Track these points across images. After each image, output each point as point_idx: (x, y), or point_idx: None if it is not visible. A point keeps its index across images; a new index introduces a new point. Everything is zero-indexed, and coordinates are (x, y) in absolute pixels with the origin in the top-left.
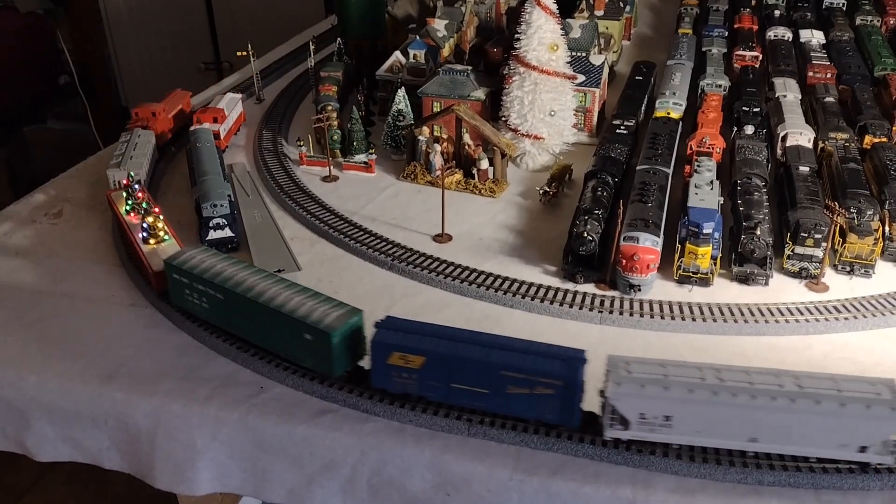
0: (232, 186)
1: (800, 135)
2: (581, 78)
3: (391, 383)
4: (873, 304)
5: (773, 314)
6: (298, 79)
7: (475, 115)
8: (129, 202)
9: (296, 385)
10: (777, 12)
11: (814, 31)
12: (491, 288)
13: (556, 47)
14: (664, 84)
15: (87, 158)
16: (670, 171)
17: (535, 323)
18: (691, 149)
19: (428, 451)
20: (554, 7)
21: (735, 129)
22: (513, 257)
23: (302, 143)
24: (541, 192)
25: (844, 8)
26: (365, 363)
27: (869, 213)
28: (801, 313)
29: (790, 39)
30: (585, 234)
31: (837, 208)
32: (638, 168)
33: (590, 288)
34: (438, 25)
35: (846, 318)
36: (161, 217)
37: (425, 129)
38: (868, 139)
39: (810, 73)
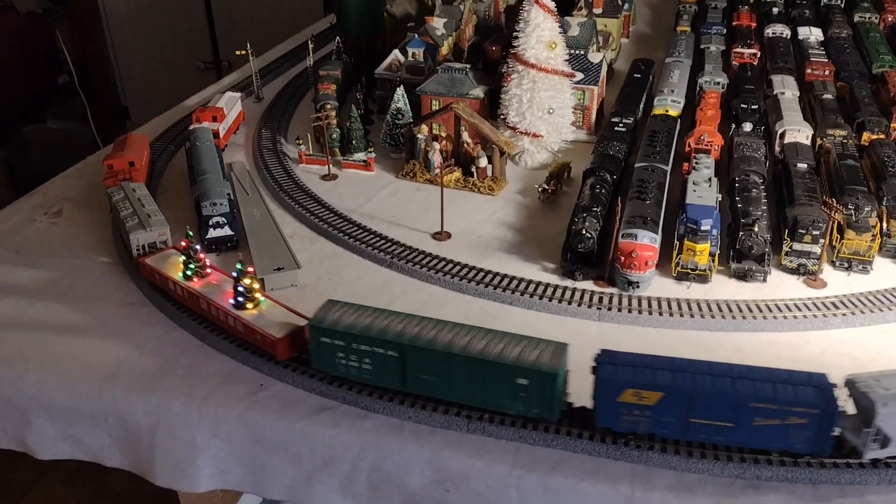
0: (231, 185)
1: (798, 132)
2: (579, 76)
3: (619, 422)
4: (871, 300)
5: (771, 310)
6: (297, 77)
7: (474, 114)
8: (192, 265)
9: (295, 382)
10: (775, 10)
11: (812, 28)
12: (490, 285)
13: (554, 45)
14: (663, 82)
15: (87, 158)
16: (669, 168)
17: (534, 320)
18: (689, 146)
19: (427, 448)
20: (552, 5)
21: (733, 126)
22: (512, 255)
23: (301, 141)
24: (539, 189)
25: (843, 5)
26: (572, 399)
27: (866, 209)
28: (799, 309)
29: (788, 37)
30: (584, 232)
31: (835, 205)
32: (636, 165)
33: (588, 285)
34: (437, 24)
35: (844, 314)
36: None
37: (424, 128)
38: (866, 136)
39: (808, 71)
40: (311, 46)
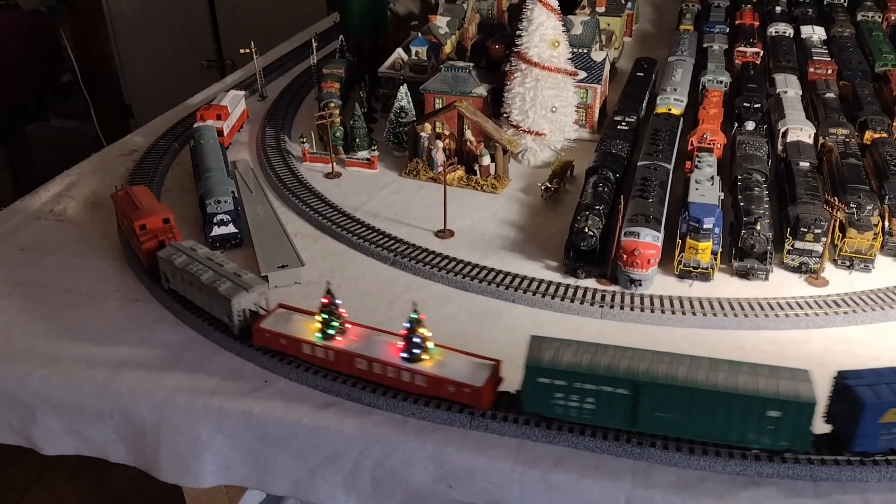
0: (235, 183)
1: (800, 130)
2: (582, 74)
3: (877, 443)
4: (872, 299)
5: (772, 308)
6: (301, 76)
7: (477, 112)
8: (335, 323)
9: (299, 379)
10: (778, 8)
11: (815, 27)
12: (493, 283)
13: (557, 44)
14: (665, 80)
15: (91, 156)
16: (671, 166)
17: (537, 317)
18: (692, 145)
19: (430, 444)
20: (555, 4)
21: (736, 125)
22: (514, 252)
23: (305, 139)
24: (542, 188)
25: (846, 4)
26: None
27: (868, 208)
28: (801, 307)
29: (791, 36)
30: (586, 230)
31: (837, 203)
32: (639, 164)
33: (591, 283)
34: (440, 22)
35: (846, 313)
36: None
37: (427, 126)
38: (868, 135)
39: (811, 69)
40: (314, 45)
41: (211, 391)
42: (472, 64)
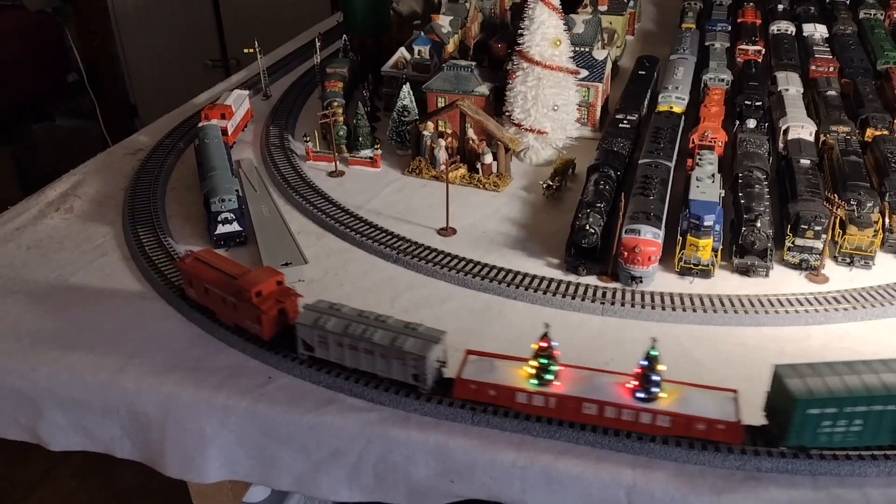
0: (240, 181)
1: (801, 128)
2: (584, 73)
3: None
4: (872, 295)
5: (773, 305)
6: (305, 75)
7: (479, 111)
8: (553, 368)
9: (303, 375)
10: (780, 6)
11: (817, 25)
12: (494, 280)
13: (558, 42)
14: (667, 78)
15: (97, 155)
16: (672, 164)
17: (538, 314)
18: (693, 142)
19: (432, 439)
20: (557, 2)
21: (737, 122)
22: (516, 250)
23: (308, 138)
24: (544, 185)
25: (848, 2)
26: None
27: (869, 205)
28: (801, 304)
29: (793, 33)
30: (588, 227)
31: (837, 200)
32: (640, 162)
33: (592, 280)
34: (443, 21)
35: (846, 309)
36: None
37: (430, 125)
38: (869, 132)
39: (813, 67)
40: (317, 44)
41: (215, 387)
42: (474, 63)
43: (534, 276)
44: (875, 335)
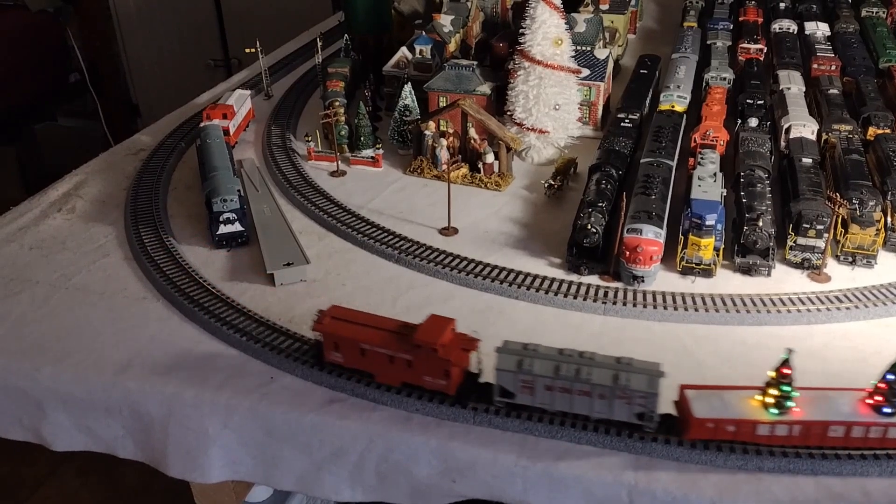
0: (241, 182)
1: (803, 127)
2: (586, 72)
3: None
4: (874, 294)
5: (775, 304)
6: (306, 75)
7: (481, 110)
8: (794, 394)
9: (305, 375)
10: (782, 5)
11: (818, 23)
12: (496, 280)
13: (560, 42)
14: (669, 77)
15: (99, 155)
16: (674, 163)
17: (540, 314)
18: (695, 141)
19: (434, 439)
20: (558, 1)
21: (739, 121)
22: (518, 250)
23: (310, 138)
24: (545, 185)
25: (850, 0)
26: None
27: (871, 203)
28: (803, 303)
29: (795, 32)
30: (589, 227)
31: (839, 199)
32: (642, 161)
33: (594, 279)
34: (444, 21)
35: (847, 308)
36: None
37: (431, 124)
38: (871, 130)
39: (815, 66)
40: (319, 44)
41: (218, 387)
42: (475, 62)
43: (535, 276)
44: (877, 334)
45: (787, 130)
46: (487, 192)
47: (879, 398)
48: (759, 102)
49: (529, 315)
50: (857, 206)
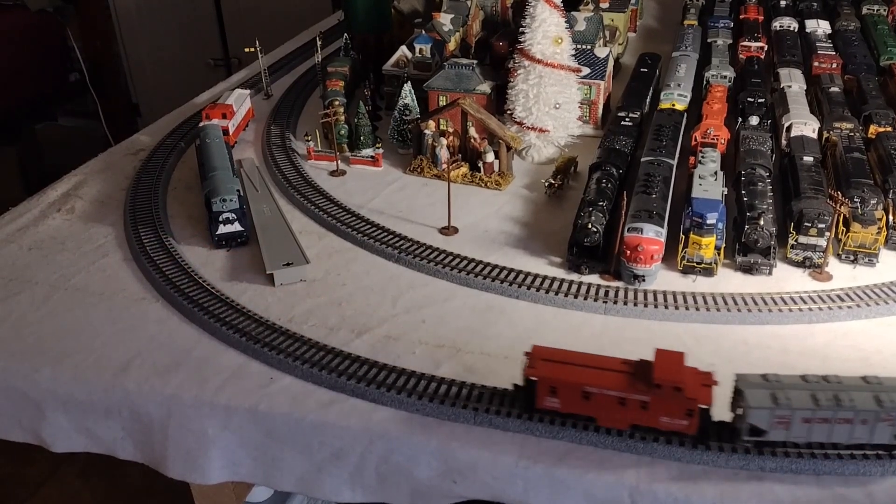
0: (241, 181)
1: (804, 125)
2: (586, 70)
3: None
4: (876, 293)
5: (776, 303)
6: (306, 74)
7: (480, 109)
8: None
9: (305, 376)
10: (783, 2)
11: (819, 21)
12: (497, 279)
13: (560, 40)
14: (669, 76)
15: (98, 155)
16: (675, 162)
17: (540, 313)
18: (696, 140)
19: (434, 440)
20: (558, 0)
21: (740, 120)
22: (518, 249)
23: (309, 137)
24: (546, 184)
25: None
26: None
27: (872, 202)
28: (805, 302)
29: (796, 30)
30: (590, 226)
31: (841, 198)
32: (642, 160)
33: (594, 279)
34: (444, 19)
35: (849, 307)
36: None
37: (431, 123)
38: (873, 129)
39: (815, 64)
40: (318, 43)
41: (217, 388)
42: (475, 61)
43: (536, 275)
44: (879, 333)
45: (788, 129)
46: (487, 192)
47: None
48: (759, 101)
49: (530, 315)
50: (858, 204)
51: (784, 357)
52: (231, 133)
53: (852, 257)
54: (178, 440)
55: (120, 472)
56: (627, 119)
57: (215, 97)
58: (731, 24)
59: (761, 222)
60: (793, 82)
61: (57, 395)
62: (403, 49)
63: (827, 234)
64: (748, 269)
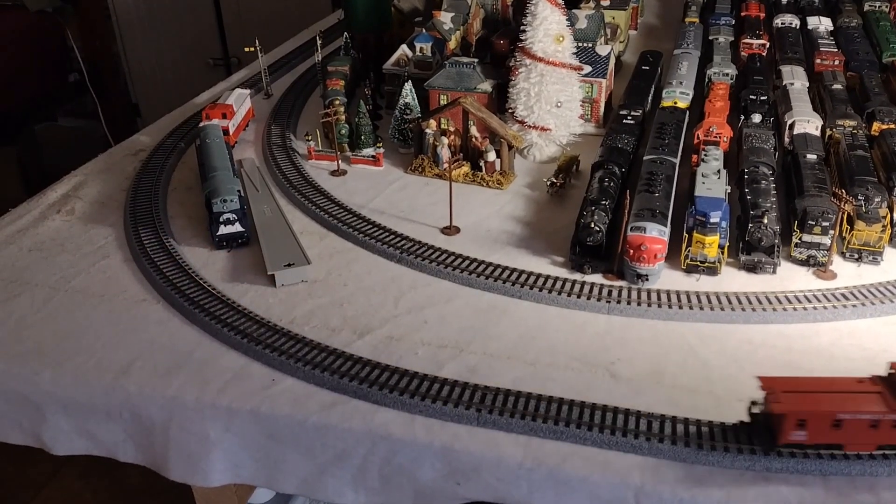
0: (241, 182)
1: (807, 122)
2: (587, 69)
3: None
4: (881, 291)
5: (780, 302)
6: (306, 73)
7: (482, 108)
8: None
9: (307, 377)
10: None
11: (821, 17)
12: (499, 279)
13: (561, 38)
14: (671, 73)
15: (98, 155)
16: (677, 160)
17: (543, 313)
18: (698, 138)
19: (437, 441)
20: None
21: (742, 117)
22: (520, 248)
23: (310, 137)
24: (548, 183)
25: None
26: None
27: (876, 200)
28: (809, 301)
29: (798, 27)
30: (592, 225)
31: (845, 196)
32: (645, 158)
33: (597, 278)
34: (444, 18)
35: (854, 306)
36: None
37: (432, 122)
38: (876, 126)
39: (818, 61)
40: (319, 42)
41: (219, 390)
42: (476, 60)
43: (538, 275)
44: (884, 331)
45: (791, 126)
46: (489, 191)
47: None
48: (762, 98)
49: (533, 314)
50: (862, 202)
51: (789, 356)
52: (231, 133)
53: (856, 255)
54: (180, 442)
55: (121, 473)
56: (629, 117)
57: (215, 97)
58: (733, 22)
59: (765, 220)
60: (795, 79)
61: (57, 398)
62: (404, 48)
63: (831, 232)
64: (752, 268)
